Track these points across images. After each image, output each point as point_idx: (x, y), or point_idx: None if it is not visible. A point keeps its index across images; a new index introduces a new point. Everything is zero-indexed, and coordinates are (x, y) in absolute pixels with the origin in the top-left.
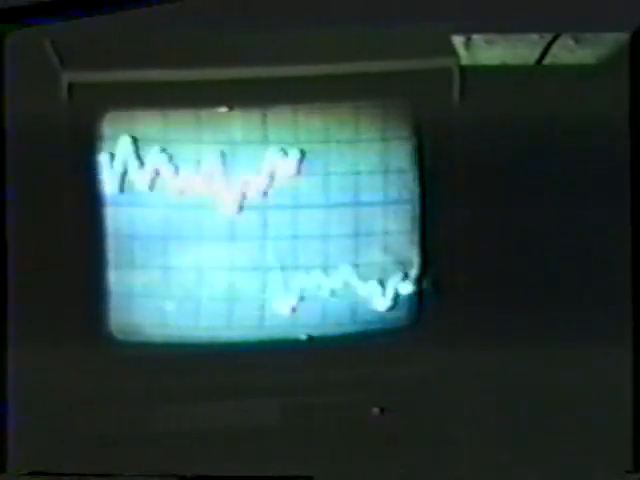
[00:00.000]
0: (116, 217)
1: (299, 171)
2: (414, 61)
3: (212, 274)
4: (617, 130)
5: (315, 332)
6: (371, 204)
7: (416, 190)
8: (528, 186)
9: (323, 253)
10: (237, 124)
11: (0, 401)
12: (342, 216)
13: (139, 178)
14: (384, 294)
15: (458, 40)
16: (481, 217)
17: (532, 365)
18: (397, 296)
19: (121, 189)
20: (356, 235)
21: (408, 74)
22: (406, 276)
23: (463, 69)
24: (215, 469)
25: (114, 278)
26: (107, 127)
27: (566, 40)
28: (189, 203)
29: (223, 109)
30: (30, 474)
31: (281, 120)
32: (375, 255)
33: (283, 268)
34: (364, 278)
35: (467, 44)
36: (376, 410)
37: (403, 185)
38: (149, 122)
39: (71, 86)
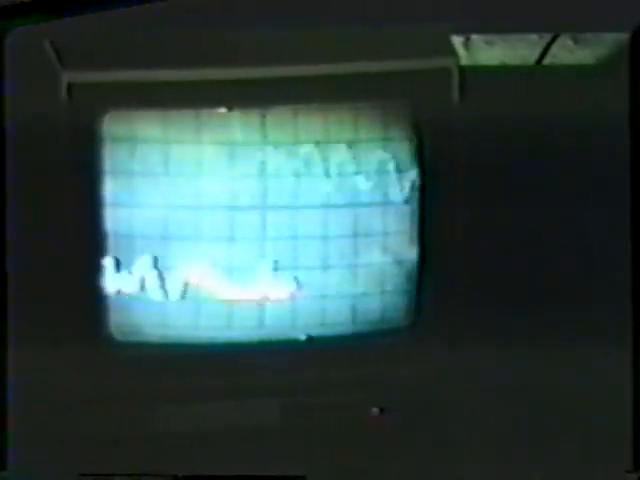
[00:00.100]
0: (116, 217)
1: (298, 171)
2: (414, 61)
3: (211, 274)
4: (617, 130)
5: (315, 332)
6: (371, 204)
7: (416, 190)
8: (528, 186)
9: (322, 253)
10: (236, 124)
11: (0, 401)
12: (341, 216)
13: (139, 178)
14: (384, 294)
15: (458, 40)
16: (481, 217)
17: (532, 365)
18: (397, 296)
19: (121, 189)
20: (355, 235)
21: (408, 74)
22: (406, 276)
23: (463, 69)
24: (215, 469)
25: (114, 278)
26: (107, 127)
27: (566, 40)
28: (189, 203)
29: (223, 109)
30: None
31: (281, 120)
32: (374, 255)
33: (282, 268)
34: (364, 278)
35: (467, 44)
36: (376, 410)
37: (403, 185)
38: (149, 122)
39: (71, 86)
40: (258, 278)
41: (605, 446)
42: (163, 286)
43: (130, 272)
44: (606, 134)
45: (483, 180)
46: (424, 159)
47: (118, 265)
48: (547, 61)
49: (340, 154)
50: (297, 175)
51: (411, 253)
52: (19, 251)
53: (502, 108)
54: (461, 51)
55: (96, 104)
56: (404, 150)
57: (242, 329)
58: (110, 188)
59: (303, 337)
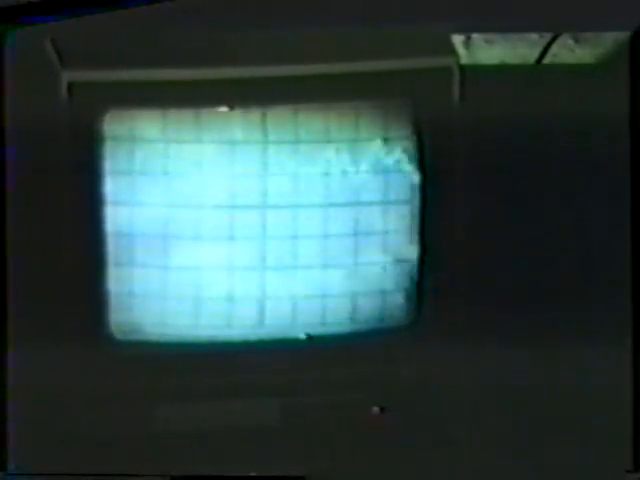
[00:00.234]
0: (116, 217)
1: (299, 170)
2: (414, 60)
3: (212, 273)
4: (617, 130)
5: (315, 331)
6: (371, 203)
7: (416, 190)
8: (528, 186)
9: (323, 252)
10: (237, 124)
11: (0, 401)
12: (342, 215)
13: (139, 177)
14: (384, 294)
15: (458, 39)
16: (481, 217)
17: (532, 365)
18: (397, 295)
19: (121, 188)
20: (356, 234)
21: (408, 73)
22: (406, 275)
23: (463, 68)
24: (215, 469)
25: (114, 278)
26: (107, 126)
27: (566, 39)
28: (189, 202)
29: (223, 109)
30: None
31: (281, 119)
32: (375, 255)
33: (282, 267)
34: (364, 278)
35: (467, 43)
36: (376, 409)
37: (403, 185)
38: (149, 121)
39: (71, 85)
40: (258, 277)
41: (605, 446)
42: (163, 285)
43: (130, 271)
44: (606, 134)
45: (483, 180)
46: (424, 158)
47: (118, 264)
48: (547, 60)
49: (340, 153)
50: (297, 174)
51: (411, 252)
52: (19, 251)
53: (502, 107)
54: (461, 50)
55: (96, 103)
56: (404, 149)
57: (242, 328)
58: (110, 187)
59: (303, 336)
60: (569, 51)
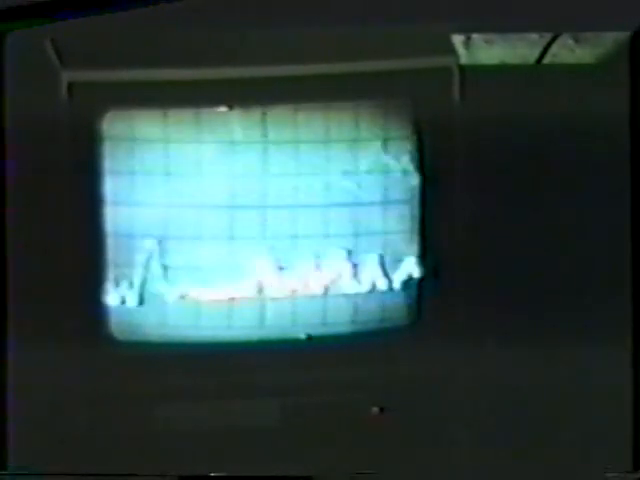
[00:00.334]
0: (116, 217)
1: (299, 170)
2: (414, 60)
3: (212, 273)
4: (617, 130)
5: (315, 331)
6: (371, 203)
7: (416, 190)
8: (528, 185)
9: (323, 252)
10: (237, 123)
11: (0, 401)
12: (342, 215)
13: (139, 177)
14: (384, 294)
15: (458, 39)
16: (481, 217)
17: (532, 365)
18: (397, 296)
19: (121, 188)
20: (356, 234)
21: (408, 73)
22: (406, 276)
23: (463, 68)
24: (215, 469)
25: (114, 277)
26: (107, 126)
27: (566, 39)
28: (189, 202)
29: (223, 108)
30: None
31: (281, 119)
32: (375, 255)
33: (282, 267)
34: (364, 278)
35: (467, 43)
36: (376, 409)
37: (403, 185)
38: (149, 121)
39: (71, 85)
40: (258, 277)
41: (605, 446)
42: (163, 285)
43: (130, 271)
44: (606, 134)
45: (483, 180)
46: (424, 158)
47: (118, 264)
48: (547, 60)
49: (340, 153)
50: (297, 174)
51: (411, 252)
52: (19, 251)
53: (502, 107)
54: (461, 50)
55: (96, 103)
56: (404, 149)
57: (242, 328)
58: (110, 187)
59: (303, 336)
60: (569, 51)
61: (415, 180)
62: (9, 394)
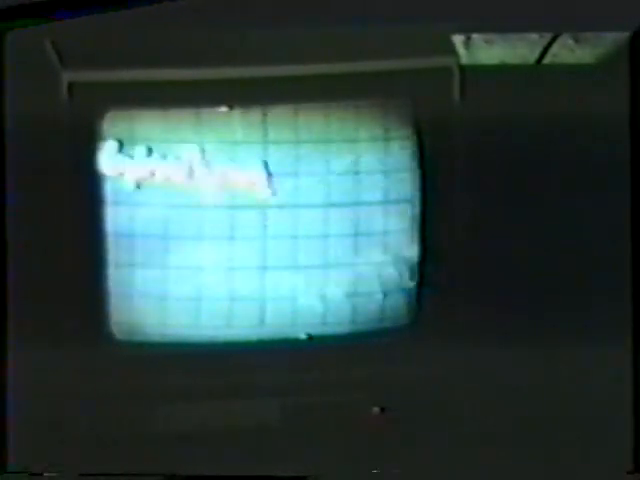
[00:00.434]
0: (116, 216)
1: (299, 170)
2: (414, 60)
3: (212, 273)
4: (617, 130)
5: (315, 331)
6: (371, 203)
7: (416, 189)
8: (528, 185)
9: (323, 252)
10: (237, 123)
11: (0, 401)
12: (342, 215)
13: (139, 177)
14: (384, 294)
15: (458, 39)
16: (481, 216)
17: (532, 365)
18: (397, 295)
19: (121, 188)
20: (356, 234)
21: (408, 73)
22: (406, 275)
23: (463, 68)
24: (215, 469)
25: (114, 278)
26: (107, 126)
27: (566, 40)
28: (189, 202)
29: (223, 108)
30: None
31: (281, 119)
32: (375, 254)
33: (283, 267)
34: (364, 277)
35: (467, 43)
36: (376, 409)
37: (403, 184)
38: (149, 121)
39: (71, 85)
40: (258, 277)
41: (605, 446)
42: (163, 285)
43: (130, 271)
44: (606, 134)
45: (483, 180)
46: (424, 158)
47: (118, 265)
48: (547, 60)
49: (341, 153)
50: (298, 174)
51: (411, 252)
52: (19, 251)
53: (502, 107)
54: (461, 50)
55: (97, 104)
56: (405, 149)
57: (242, 328)
58: (110, 187)
59: (303, 336)
60: (569, 51)
61: (415, 180)
62: (9, 394)
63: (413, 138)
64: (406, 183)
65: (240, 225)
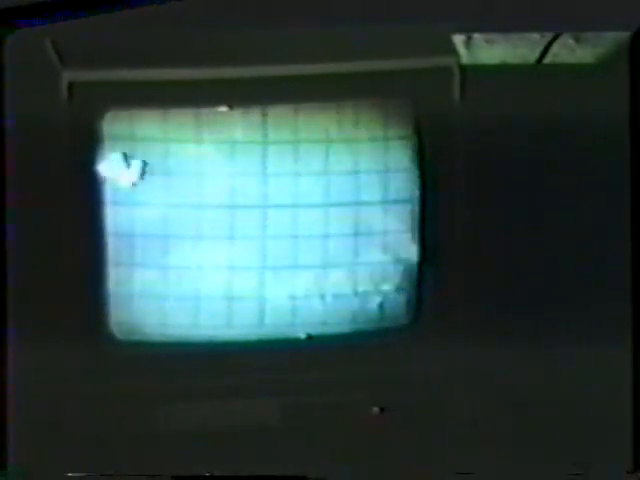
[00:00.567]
0: (116, 216)
1: (299, 170)
2: (414, 60)
3: (212, 273)
4: (617, 130)
5: (315, 331)
6: (371, 203)
7: (416, 189)
8: (528, 185)
9: (323, 252)
10: (237, 123)
11: (0, 401)
12: (342, 215)
13: (139, 177)
14: (384, 293)
15: (459, 39)
16: (481, 216)
17: (532, 365)
18: (397, 295)
19: (121, 188)
20: (356, 234)
21: (408, 73)
22: (406, 275)
23: (463, 68)
24: (215, 469)
25: (114, 278)
26: (107, 126)
27: (566, 39)
28: (189, 202)
29: (223, 108)
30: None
31: (281, 119)
32: (375, 254)
33: (282, 267)
34: (364, 277)
35: (468, 43)
36: (376, 409)
37: (403, 184)
38: (149, 121)
39: (71, 85)
40: (258, 277)
41: (605, 446)
42: (163, 285)
43: (130, 271)
44: (606, 134)
45: (483, 180)
46: (424, 158)
47: (118, 264)
48: (548, 60)
49: (341, 153)
50: (298, 174)
51: (411, 252)
52: (19, 251)
53: (502, 107)
54: (462, 50)
55: (97, 103)
56: (404, 149)
57: (242, 328)
58: (110, 187)
59: (303, 336)
60: (569, 51)
61: (415, 180)
62: (9, 394)
63: (413, 138)
64: (406, 183)
65: (240, 225)
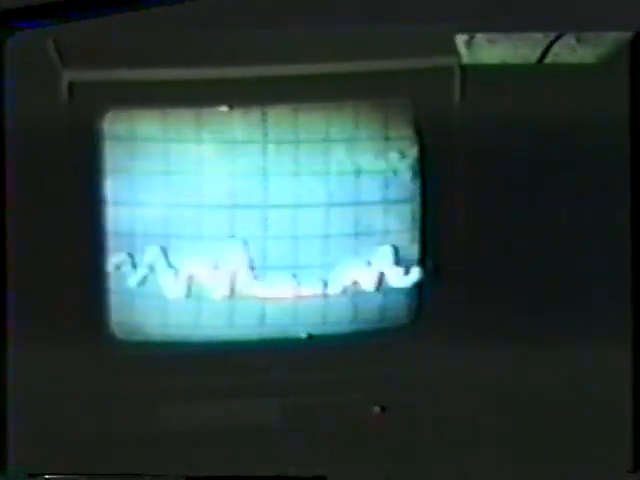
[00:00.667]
0: (117, 216)
1: (299, 170)
2: (415, 60)
3: (212, 273)
4: (617, 130)
5: (316, 331)
6: (371, 203)
7: (416, 189)
8: (528, 185)
9: (323, 252)
10: (237, 123)
11: (0, 401)
12: (342, 215)
13: (139, 177)
14: (384, 293)
15: (459, 39)
16: (481, 216)
17: (532, 365)
18: (397, 295)
19: (121, 188)
20: (356, 234)
21: (409, 73)
22: (406, 275)
23: (464, 68)
24: (215, 469)
25: (114, 277)
26: (107, 126)
27: (567, 39)
28: (189, 201)
29: (223, 108)
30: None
31: (281, 119)
32: (375, 254)
33: (283, 267)
34: (364, 277)
35: (468, 43)
36: (377, 409)
37: (403, 184)
38: (149, 121)
39: (72, 85)
40: (259, 277)
41: (605, 446)
42: (164, 285)
43: (131, 271)
44: (606, 134)
45: (483, 180)
46: (425, 158)
47: (119, 264)
48: (549, 60)
49: (341, 153)
50: (298, 174)
51: (411, 252)
52: (19, 250)
53: (503, 107)
54: (463, 50)
55: (97, 103)
56: (405, 149)
57: (243, 328)
58: (111, 187)
59: (304, 336)
60: (570, 51)
61: (415, 180)
62: (9, 394)
63: (413, 138)
64: (406, 183)
65: (240, 224)
